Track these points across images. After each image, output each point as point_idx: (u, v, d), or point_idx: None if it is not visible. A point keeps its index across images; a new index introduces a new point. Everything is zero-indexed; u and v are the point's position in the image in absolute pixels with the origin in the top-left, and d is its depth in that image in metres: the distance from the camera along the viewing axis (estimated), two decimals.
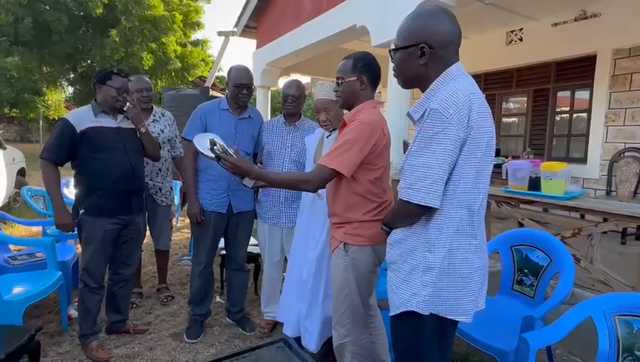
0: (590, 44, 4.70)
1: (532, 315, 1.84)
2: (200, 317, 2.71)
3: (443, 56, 1.25)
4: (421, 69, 1.27)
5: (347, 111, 1.88)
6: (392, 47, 1.35)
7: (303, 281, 2.27)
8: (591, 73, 4.76)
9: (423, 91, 1.29)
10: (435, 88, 1.24)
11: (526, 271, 2.28)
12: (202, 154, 1.74)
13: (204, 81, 9.60)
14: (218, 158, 1.63)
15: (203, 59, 16.75)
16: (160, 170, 3.08)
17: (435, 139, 1.16)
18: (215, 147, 1.65)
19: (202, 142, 1.75)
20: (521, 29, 5.44)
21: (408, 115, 1.32)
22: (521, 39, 5.49)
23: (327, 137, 2.33)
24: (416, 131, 1.25)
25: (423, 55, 1.25)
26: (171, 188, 3.24)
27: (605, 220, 2.54)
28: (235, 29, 7.60)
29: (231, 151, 1.67)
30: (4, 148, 5.66)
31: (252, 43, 7.68)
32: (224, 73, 16.79)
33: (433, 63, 1.25)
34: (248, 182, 1.65)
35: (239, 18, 7.42)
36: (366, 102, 1.79)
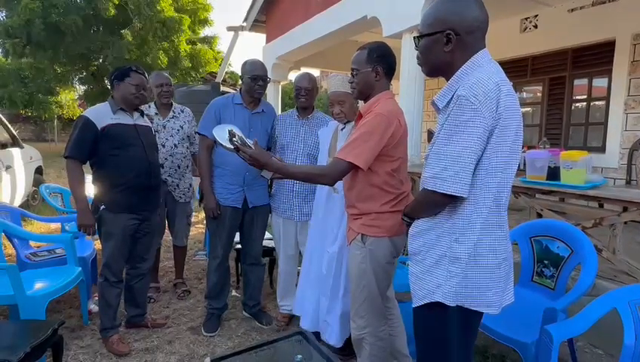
0: (608, 29, 4.56)
1: (554, 307, 1.81)
2: (217, 310, 2.73)
3: (470, 42, 1.21)
4: (447, 56, 1.23)
5: (362, 103, 1.86)
6: (416, 34, 1.31)
7: (323, 276, 2.27)
8: (609, 59, 4.63)
9: (447, 79, 1.26)
10: (461, 76, 1.20)
11: (546, 262, 2.24)
12: (221, 145, 1.75)
13: (215, 77, 9.62)
14: (237, 150, 1.63)
15: (213, 56, 16.86)
16: (179, 166, 3.10)
17: (463, 126, 1.13)
18: (234, 138, 1.65)
19: (221, 134, 1.75)
20: (536, 16, 5.31)
21: (432, 103, 1.28)
22: (535, 26, 5.36)
23: (342, 130, 2.31)
24: (441, 119, 1.22)
25: (449, 42, 1.20)
26: (190, 184, 3.25)
27: (625, 209, 2.48)
28: (245, 24, 7.58)
29: (250, 143, 1.66)
30: (22, 147, 5.75)
31: (262, 37, 7.66)
32: (234, 68, 16.85)
33: (459, 50, 1.21)
34: (266, 174, 1.66)
35: (248, 12, 7.39)
36: (382, 93, 1.77)
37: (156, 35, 13.80)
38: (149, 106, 3.08)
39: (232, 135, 1.66)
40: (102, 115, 2.32)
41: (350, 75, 1.85)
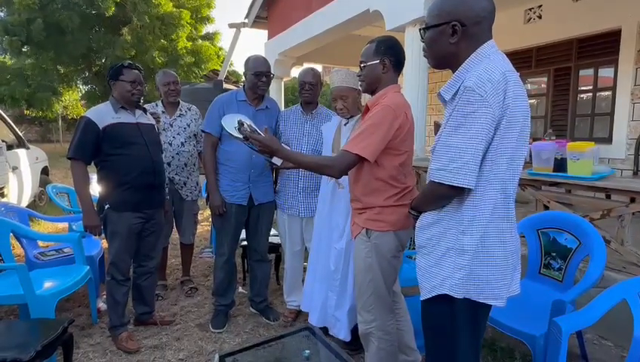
0: (614, 18, 4.51)
1: (563, 299, 1.80)
2: (224, 307, 2.74)
3: (476, 33, 1.19)
4: (453, 47, 1.22)
5: (368, 97, 1.85)
6: (420, 26, 1.30)
7: (331, 272, 2.28)
8: (615, 49, 4.58)
9: (453, 71, 1.25)
10: (468, 67, 1.19)
11: (554, 254, 2.23)
12: (230, 134, 1.75)
13: (217, 75, 9.59)
14: (246, 138, 1.63)
15: (215, 52, 16.81)
16: (186, 164, 3.10)
17: (470, 118, 1.12)
18: (243, 127, 1.65)
19: (230, 123, 1.75)
20: (540, 6, 5.25)
21: (439, 95, 1.27)
22: (540, 16, 5.31)
23: (345, 125, 2.30)
24: (448, 111, 1.21)
25: (455, 33, 1.19)
26: (197, 183, 3.26)
27: (633, 200, 2.45)
28: (246, 20, 7.55)
29: (260, 132, 1.67)
30: (28, 148, 5.79)
31: (264, 34, 7.64)
32: (235, 67, 16.77)
33: (465, 42, 1.20)
34: (277, 161, 1.66)
35: (250, 9, 7.37)
36: (389, 87, 1.76)
37: (154, 33, 13.72)
38: (156, 105, 3.08)
39: (240, 124, 1.66)
40: (103, 114, 2.32)
41: (359, 68, 1.85)
